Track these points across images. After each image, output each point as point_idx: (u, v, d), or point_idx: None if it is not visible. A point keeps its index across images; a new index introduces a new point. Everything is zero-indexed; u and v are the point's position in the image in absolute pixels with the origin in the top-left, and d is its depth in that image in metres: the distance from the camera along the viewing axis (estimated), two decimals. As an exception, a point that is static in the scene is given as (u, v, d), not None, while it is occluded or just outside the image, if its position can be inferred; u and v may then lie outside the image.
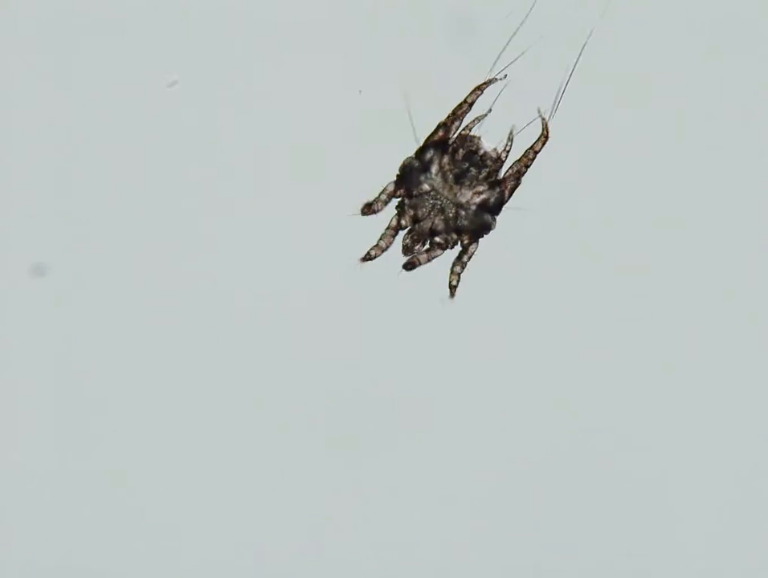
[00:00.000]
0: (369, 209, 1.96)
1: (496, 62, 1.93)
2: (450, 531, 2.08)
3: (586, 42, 1.93)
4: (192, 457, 2.08)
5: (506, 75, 1.95)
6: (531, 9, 1.95)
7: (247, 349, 2.07)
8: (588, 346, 2.07)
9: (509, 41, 1.93)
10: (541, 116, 1.94)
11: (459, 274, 1.97)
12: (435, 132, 1.96)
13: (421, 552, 2.08)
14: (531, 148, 1.95)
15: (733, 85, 2.05)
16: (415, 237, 1.97)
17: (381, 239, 1.97)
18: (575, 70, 1.93)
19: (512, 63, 1.93)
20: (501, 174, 1.96)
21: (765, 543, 2.08)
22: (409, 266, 1.96)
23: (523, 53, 1.93)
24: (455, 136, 1.96)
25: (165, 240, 2.06)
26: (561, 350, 2.07)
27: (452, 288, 1.98)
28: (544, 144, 1.95)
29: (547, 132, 1.94)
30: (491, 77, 1.95)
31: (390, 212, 1.97)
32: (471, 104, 1.96)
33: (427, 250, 1.97)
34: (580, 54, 1.94)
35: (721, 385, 2.07)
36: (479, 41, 2.02)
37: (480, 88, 1.95)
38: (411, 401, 2.06)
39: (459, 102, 1.96)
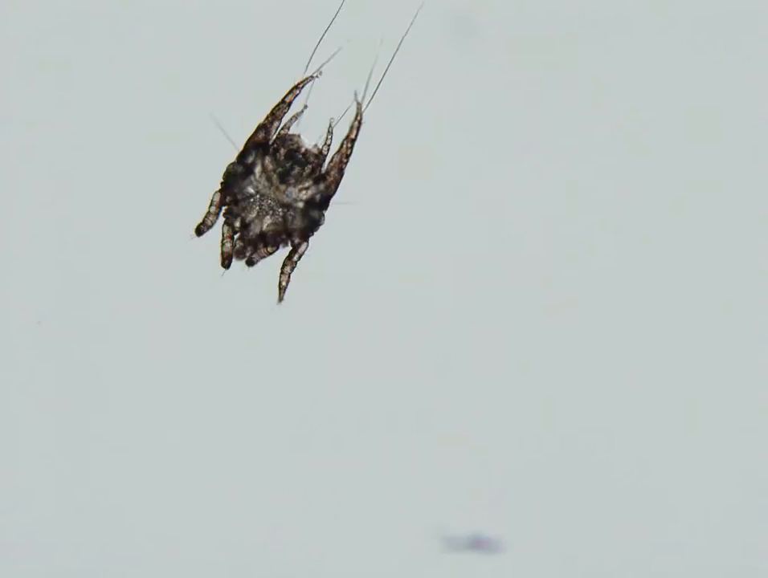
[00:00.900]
0: (202, 227, 1.95)
1: (309, 61, 1.93)
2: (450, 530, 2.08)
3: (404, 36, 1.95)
4: (189, 458, 2.07)
5: (321, 73, 1.94)
6: (339, 9, 1.95)
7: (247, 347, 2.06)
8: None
9: (320, 40, 1.93)
10: (356, 100, 1.93)
11: (288, 275, 1.96)
12: (255, 134, 1.95)
13: (420, 551, 2.08)
14: (347, 137, 1.94)
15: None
16: (246, 241, 1.95)
17: (224, 242, 1.96)
18: (394, 56, 1.94)
19: (327, 61, 1.93)
20: (324, 168, 1.96)
21: (765, 543, 2.09)
22: (249, 263, 1.96)
23: (338, 50, 1.93)
24: (275, 136, 1.95)
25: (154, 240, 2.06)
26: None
27: (282, 289, 1.96)
28: (358, 130, 1.94)
29: (361, 118, 1.94)
30: (306, 75, 1.94)
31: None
32: (289, 104, 1.95)
33: (257, 250, 1.96)
34: (400, 43, 1.94)
35: (721, 384, 2.08)
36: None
37: (297, 87, 1.95)
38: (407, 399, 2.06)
39: (276, 102, 1.95)
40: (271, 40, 2.04)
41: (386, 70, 1.94)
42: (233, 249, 1.95)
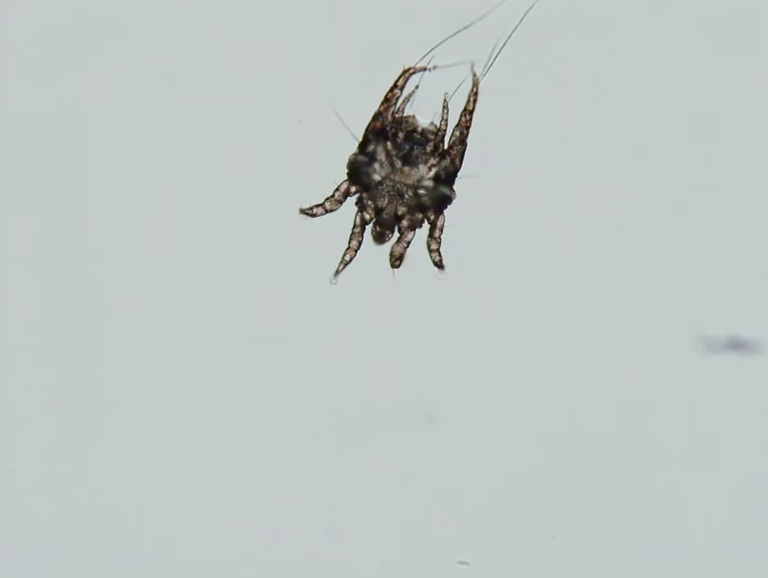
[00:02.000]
0: (317, 210, 1.99)
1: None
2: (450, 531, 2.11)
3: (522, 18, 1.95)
4: (193, 458, 2.10)
5: (435, 67, 1.95)
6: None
7: (246, 351, 2.10)
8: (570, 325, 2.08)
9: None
10: (472, 71, 1.95)
11: (437, 250, 1.99)
12: (372, 122, 1.97)
13: (420, 552, 2.12)
14: (465, 108, 1.96)
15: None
16: (383, 225, 1.99)
17: (351, 240, 2.00)
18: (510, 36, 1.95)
19: (437, 45, 1.94)
20: (446, 144, 1.98)
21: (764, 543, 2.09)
22: (396, 261, 1.99)
23: (453, 34, 1.93)
24: (391, 120, 1.97)
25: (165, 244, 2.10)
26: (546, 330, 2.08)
27: (438, 263, 2.00)
28: (476, 100, 1.96)
29: (477, 88, 1.95)
30: (419, 65, 1.95)
31: (346, 212, 2.00)
32: (401, 88, 1.97)
33: (399, 238, 2.00)
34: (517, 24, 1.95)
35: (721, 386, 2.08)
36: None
37: (408, 72, 1.96)
38: (410, 399, 2.08)
39: (389, 87, 1.97)
40: (372, 27, 2.05)
41: (503, 44, 1.95)
42: (355, 253, 1.99)
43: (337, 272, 2.00)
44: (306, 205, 1.99)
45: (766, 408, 2.07)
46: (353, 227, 2.00)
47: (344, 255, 2.00)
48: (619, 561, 2.09)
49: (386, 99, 1.97)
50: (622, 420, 2.07)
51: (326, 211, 2.00)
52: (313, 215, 1.99)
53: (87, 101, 2.08)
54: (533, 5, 1.96)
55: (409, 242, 2.00)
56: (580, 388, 2.06)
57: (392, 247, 2.00)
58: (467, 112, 1.95)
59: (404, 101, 1.96)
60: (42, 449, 2.11)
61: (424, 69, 1.95)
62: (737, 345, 2.06)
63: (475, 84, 1.95)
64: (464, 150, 1.97)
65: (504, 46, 1.94)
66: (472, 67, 1.94)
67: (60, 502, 2.10)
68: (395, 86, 1.96)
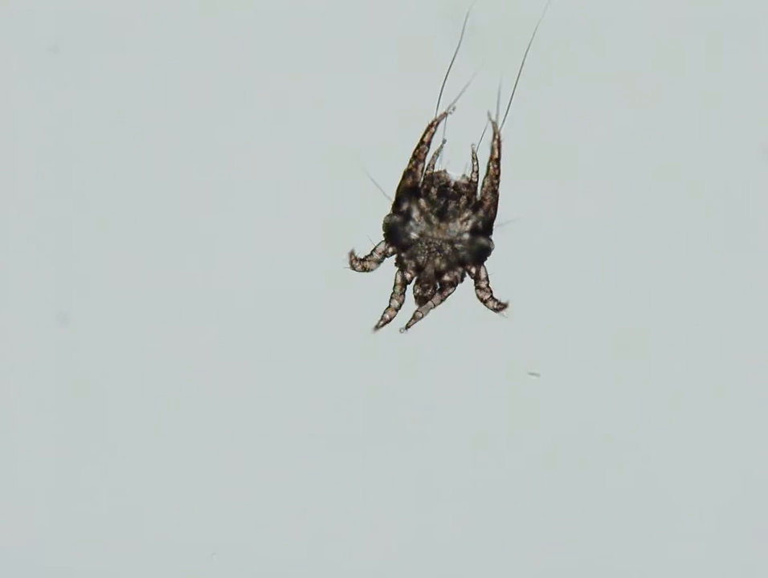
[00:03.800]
0: (358, 262, 1.99)
1: (440, 96, 1.95)
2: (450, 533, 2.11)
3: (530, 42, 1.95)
4: (192, 457, 2.10)
5: (454, 108, 1.96)
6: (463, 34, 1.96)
7: (248, 350, 2.09)
8: (592, 346, 2.07)
9: (448, 71, 1.94)
10: (490, 119, 1.95)
11: (491, 298, 1.99)
12: (403, 180, 1.98)
13: (420, 553, 2.12)
14: (491, 158, 1.96)
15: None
16: (424, 284, 1.99)
17: (392, 299, 2.00)
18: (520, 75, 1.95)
19: (459, 95, 1.95)
20: (479, 195, 1.98)
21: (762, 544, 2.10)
22: (420, 314, 2.00)
23: (468, 84, 1.94)
24: (422, 177, 1.98)
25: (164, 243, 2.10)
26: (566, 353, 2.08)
27: (499, 309, 2.00)
28: (500, 148, 1.96)
29: (499, 136, 1.96)
30: (440, 114, 1.96)
31: (386, 272, 2.01)
32: (428, 143, 1.97)
33: (440, 292, 2.00)
34: (525, 55, 1.95)
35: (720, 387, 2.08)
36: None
37: (432, 126, 1.96)
38: (412, 403, 2.08)
39: (416, 144, 1.97)
40: (386, 82, 2.06)
41: (515, 84, 1.95)
42: (396, 313, 2.00)
43: (377, 327, 2.01)
44: (347, 261, 1.99)
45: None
46: (394, 286, 2.00)
47: (384, 313, 2.00)
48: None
49: (415, 156, 1.97)
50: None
51: (365, 269, 2.00)
52: (353, 268, 2.00)
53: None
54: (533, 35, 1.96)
55: (444, 299, 2.00)
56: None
57: (428, 294, 2.00)
58: (494, 161, 1.95)
59: (434, 156, 1.97)
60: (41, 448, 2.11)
61: (446, 115, 1.96)
62: None
63: (496, 132, 1.95)
64: (497, 199, 1.97)
65: (515, 88, 1.95)
66: (490, 116, 1.95)
67: (71, 503, 2.11)
68: (422, 142, 1.97)
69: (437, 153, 1.97)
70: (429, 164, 1.97)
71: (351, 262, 1.99)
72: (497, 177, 1.96)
